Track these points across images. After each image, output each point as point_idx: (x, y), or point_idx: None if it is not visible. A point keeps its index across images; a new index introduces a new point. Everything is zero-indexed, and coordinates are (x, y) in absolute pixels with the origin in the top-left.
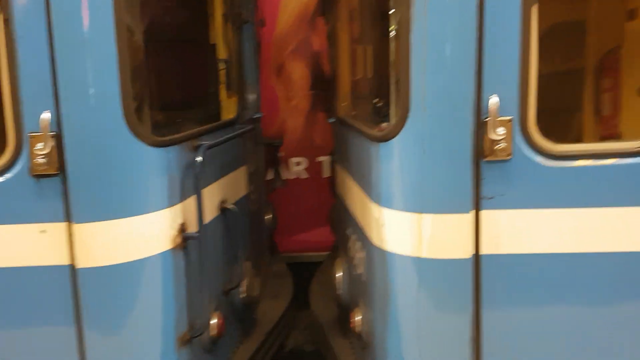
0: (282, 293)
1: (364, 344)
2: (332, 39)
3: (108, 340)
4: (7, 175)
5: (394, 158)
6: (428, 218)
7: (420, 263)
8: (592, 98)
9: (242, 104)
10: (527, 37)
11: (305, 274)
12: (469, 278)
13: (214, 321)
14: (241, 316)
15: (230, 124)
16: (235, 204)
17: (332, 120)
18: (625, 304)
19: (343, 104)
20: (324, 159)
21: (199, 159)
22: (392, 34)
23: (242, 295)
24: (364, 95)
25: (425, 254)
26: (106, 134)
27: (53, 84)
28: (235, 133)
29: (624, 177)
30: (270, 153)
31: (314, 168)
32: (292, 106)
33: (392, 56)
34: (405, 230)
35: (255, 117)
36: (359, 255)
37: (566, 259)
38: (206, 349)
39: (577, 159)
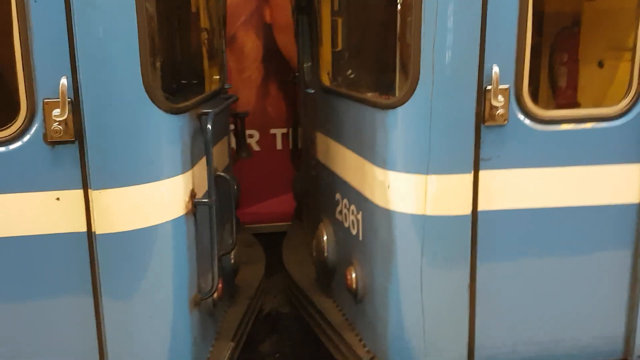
0: (255, 260)
1: (359, 298)
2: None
3: (124, 305)
4: (20, 143)
5: (403, 124)
6: (433, 179)
7: (425, 220)
8: (553, 70)
9: (222, 74)
10: (525, 14)
11: (263, 244)
12: (467, 233)
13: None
14: (229, 281)
15: (217, 93)
16: (222, 172)
17: (310, 90)
18: (602, 250)
19: (330, 74)
20: (277, 131)
21: (209, 126)
22: (399, 8)
23: (231, 261)
24: (362, 65)
25: (430, 211)
26: (126, 100)
27: (69, 50)
28: (227, 103)
29: (601, 139)
30: (235, 124)
31: (267, 140)
32: (244, 78)
33: (399, 29)
34: (411, 191)
35: (226, 87)
36: (352, 217)
37: (552, 213)
38: (209, 311)
39: (562, 123)
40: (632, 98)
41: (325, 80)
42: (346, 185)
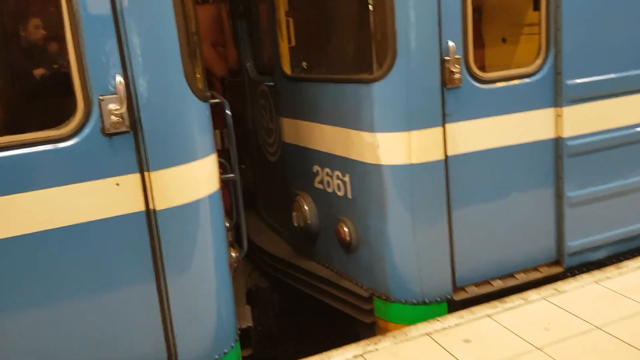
0: None
1: (352, 248)
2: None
3: (184, 271)
4: (79, 137)
5: (386, 94)
6: (414, 134)
7: (412, 168)
8: None
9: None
10: (465, 3)
11: None
12: (442, 174)
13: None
14: None
15: None
16: None
17: (270, 84)
18: (534, 176)
19: (296, 65)
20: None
21: (229, 111)
22: (371, 3)
23: None
24: (335, 52)
25: (415, 160)
26: (172, 92)
27: (119, 51)
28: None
29: (525, 91)
30: None
31: None
32: None
33: (375, 18)
34: (397, 146)
35: None
36: (338, 181)
37: (499, 151)
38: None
39: (497, 82)
40: (541, 60)
41: (288, 70)
42: (327, 156)
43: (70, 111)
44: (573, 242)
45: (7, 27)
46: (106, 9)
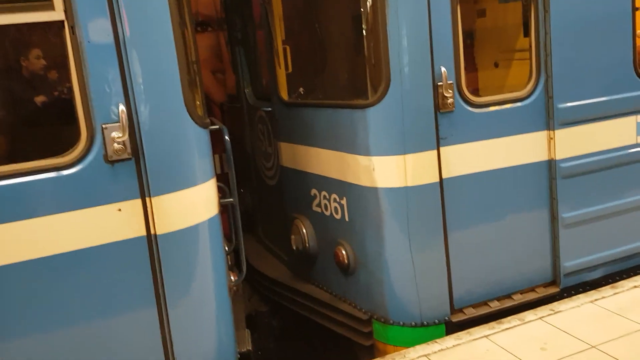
0: None
1: (350, 271)
2: (240, 42)
3: (184, 294)
4: (82, 164)
5: (381, 118)
6: (410, 157)
7: (408, 190)
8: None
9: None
10: (456, 28)
11: None
12: (438, 196)
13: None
14: None
15: None
16: None
17: (268, 109)
18: (528, 197)
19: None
20: None
21: (227, 137)
22: (365, 31)
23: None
24: (330, 79)
25: (410, 183)
26: (172, 119)
27: (122, 81)
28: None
29: (517, 115)
30: None
31: None
32: None
33: (369, 45)
34: (393, 169)
35: None
36: (335, 204)
37: (492, 174)
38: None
39: (490, 106)
40: (533, 84)
41: (285, 96)
42: (324, 179)
43: (73, 139)
44: (568, 263)
45: (10, 56)
46: (109, 38)
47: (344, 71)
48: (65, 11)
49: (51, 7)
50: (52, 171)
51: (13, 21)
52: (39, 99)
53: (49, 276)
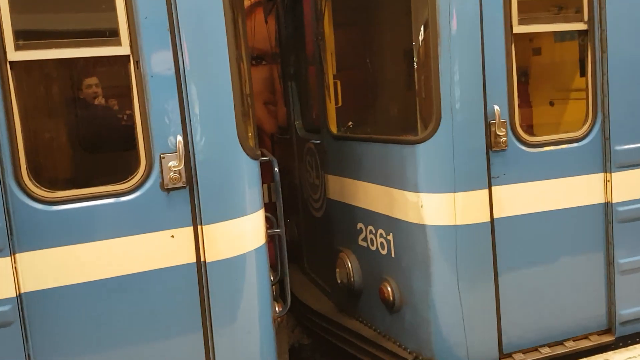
0: None
1: (395, 309)
2: (293, 77)
3: (229, 321)
4: (140, 192)
5: (431, 155)
6: (459, 195)
7: (457, 229)
8: None
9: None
10: (510, 65)
11: None
12: (488, 236)
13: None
14: None
15: None
16: None
17: (317, 142)
18: (584, 241)
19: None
20: None
21: (277, 169)
22: (416, 65)
23: None
24: (380, 114)
25: (459, 222)
26: (225, 150)
27: (180, 113)
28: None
29: (572, 156)
30: None
31: None
32: None
33: (419, 80)
34: (442, 207)
35: None
36: (381, 240)
37: (546, 215)
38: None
39: (545, 146)
40: (589, 125)
41: (335, 130)
42: (371, 214)
43: (132, 168)
44: (625, 311)
45: (76, 89)
46: (170, 71)
47: (394, 106)
48: (131, 46)
49: (118, 43)
50: (112, 197)
51: (83, 54)
52: (103, 130)
53: (102, 298)
